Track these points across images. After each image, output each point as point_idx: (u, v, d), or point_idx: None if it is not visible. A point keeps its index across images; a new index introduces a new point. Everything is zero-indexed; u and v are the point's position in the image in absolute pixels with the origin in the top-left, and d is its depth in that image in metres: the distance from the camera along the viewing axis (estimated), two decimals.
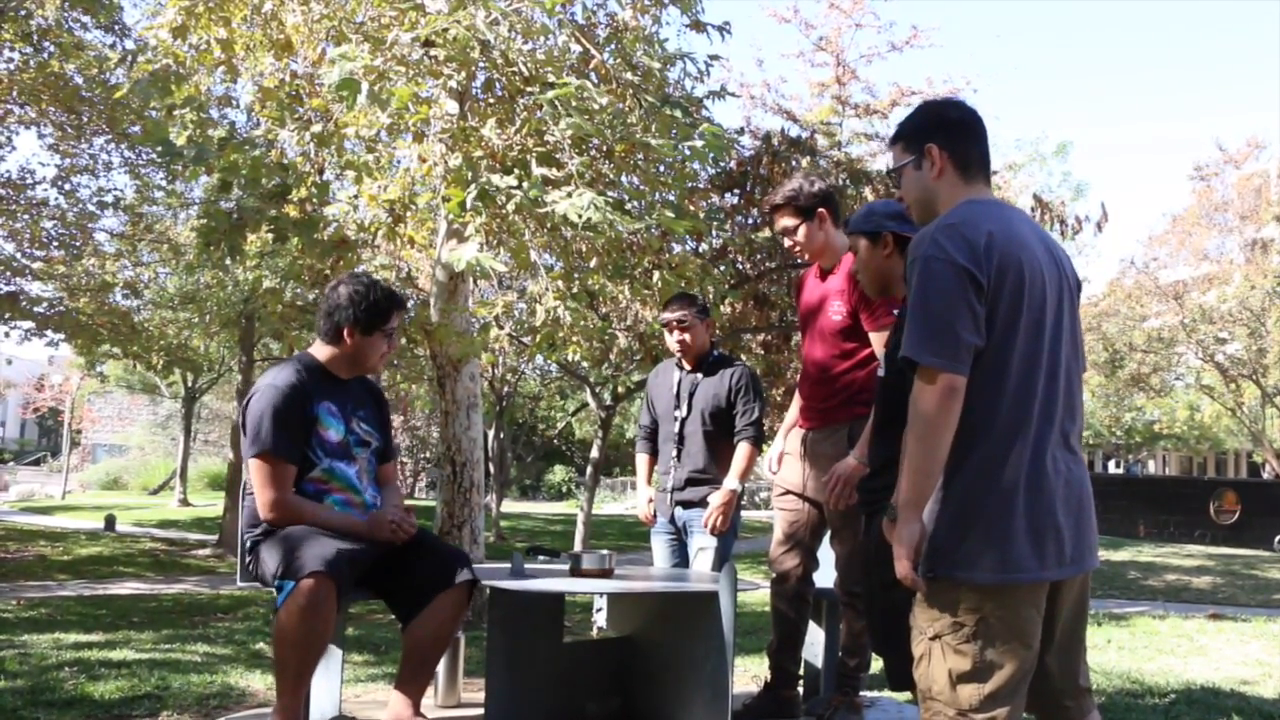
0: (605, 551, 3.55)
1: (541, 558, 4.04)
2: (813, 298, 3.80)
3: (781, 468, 3.89)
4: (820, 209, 3.72)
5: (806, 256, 3.81)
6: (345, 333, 3.42)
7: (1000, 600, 2.19)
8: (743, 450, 4.19)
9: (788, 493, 3.83)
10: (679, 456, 4.31)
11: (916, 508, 2.20)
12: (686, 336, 4.31)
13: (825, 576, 3.90)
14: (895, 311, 3.66)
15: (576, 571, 3.50)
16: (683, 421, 4.31)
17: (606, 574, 3.45)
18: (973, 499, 2.20)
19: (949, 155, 2.39)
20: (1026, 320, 2.23)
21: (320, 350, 3.50)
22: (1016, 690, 2.21)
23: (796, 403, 3.95)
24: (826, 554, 3.88)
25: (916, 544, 2.21)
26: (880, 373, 3.03)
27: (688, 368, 4.37)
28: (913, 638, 2.31)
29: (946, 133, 2.40)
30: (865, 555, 3.00)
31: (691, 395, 4.31)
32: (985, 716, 2.18)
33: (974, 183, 2.40)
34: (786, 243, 3.84)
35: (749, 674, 5.29)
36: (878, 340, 3.56)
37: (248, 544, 3.36)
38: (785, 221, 3.76)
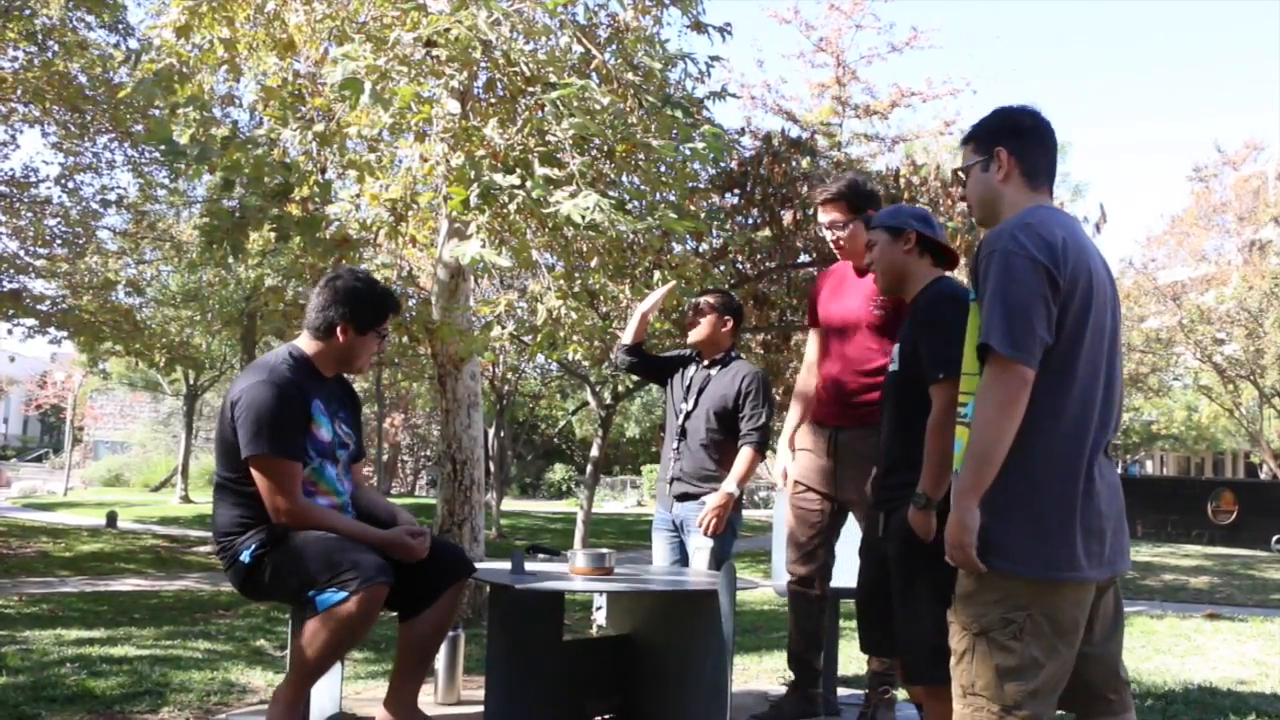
0: (605, 550, 3.57)
1: (542, 556, 4.06)
2: (849, 294, 3.81)
3: (799, 464, 3.86)
4: (870, 209, 3.77)
5: (845, 253, 3.85)
6: (339, 330, 3.31)
7: (1049, 598, 2.23)
8: (745, 455, 4.18)
9: (808, 490, 3.81)
10: (679, 451, 4.32)
11: (975, 495, 2.23)
12: (700, 321, 4.35)
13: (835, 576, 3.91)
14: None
15: (578, 570, 3.51)
16: (687, 415, 4.32)
17: (606, 573, 3.47)
18: (1031, 494, 2.24)
19: (1017, 160, 2.44)
20: (1093, 328, 2.29)
21: (308, 344, 3.36)
22: (1056, 689, 2.25)
23: (798, 405, 3.96)
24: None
25: (975, 531, 2.23)
26: (892, 367, 3.06)
27: (705, 361, 4.40)
28: (952, 633, 2.33)
29: (1017, 138, 2.46)
30: (881, 551, 3.03)
31: (701, 391, 4.31)
32: (1028, 714, 2.21)
33: (1039, 190, 2.45)
34: (830, 236, 3.88)
35: (748, 672, 5.32)
36: None
37: (245, 558, 3.17)
38: (835, 215, 3.81)
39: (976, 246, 2.44)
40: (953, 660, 2.32)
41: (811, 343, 4.02)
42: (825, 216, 3.87)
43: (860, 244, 3.76)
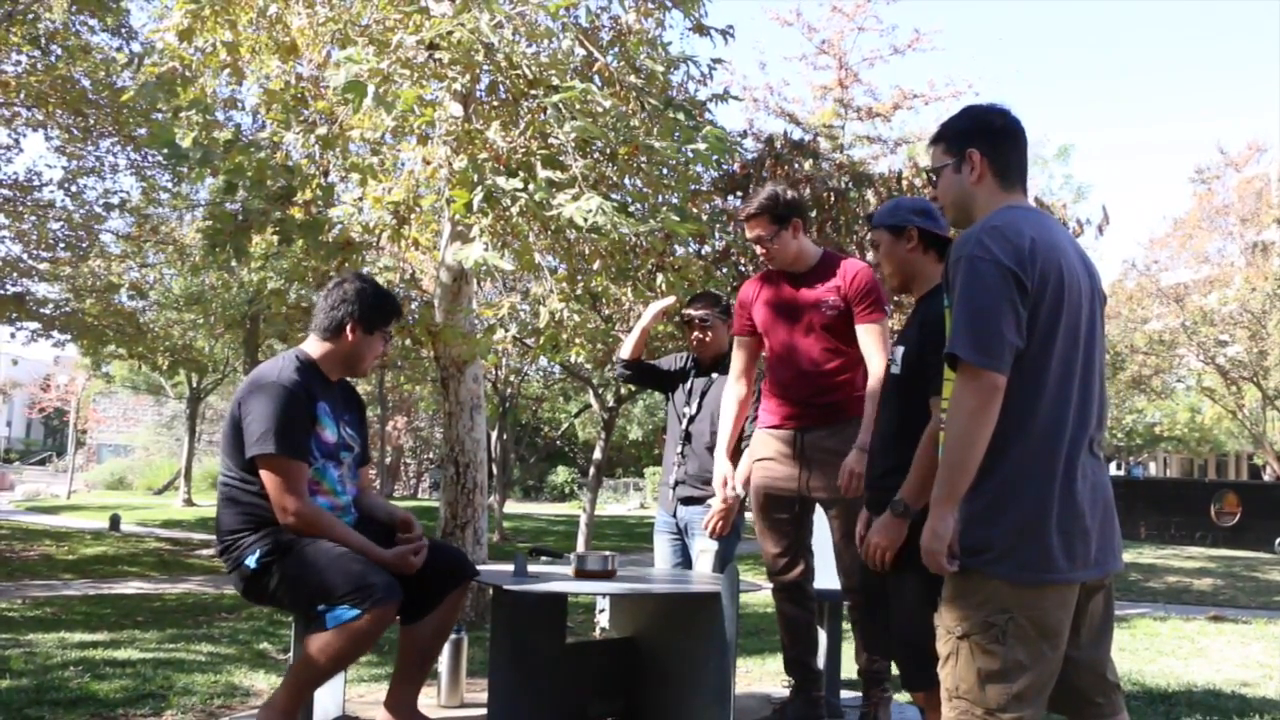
0: (608, 553, 3.56)
1: (544, 559, 4.05)
2: (791, 300, 3.79)
3: (761, 475, 3.82)
4: (794, 218, 3.77)
5: (775, 264, 3.83)
6: (348, 329, 3.36)
7: (1031, 600, 2.22)
8: (748, 455, 4.19)
9: (773, 499, 3.79)
10: (684, 455, 4.32)
11: (951, 502, 2.24)
12: (706, 337, 4.34)
13: (823, 577, 3.91)
14: (887, 309, 3.71)
15: (580, 573, 3.51)
16: (691, 419, 4.32)
17: (609, 575, 3.47)
18: (1007, 498, 2.23)
19: (989, 161, 2.42)
20: (1065, 326, 2.27)
21: (314, 347, 3.41)
22: (1042, 691, 2.25)
23: (733, 412, 3.93)
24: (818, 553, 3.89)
25: (950, 538, 2.24)
26: (894, 370, 3.02)
27: (705, 365, 4.40)
28: (938, 637, 2.33)
29: (989, 139, 2.44)
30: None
31: (703, 396, 4.32)
32: (1012, 716, 2.21)
33: (1012, 190, 2.44)
34: (759, 250, 3.85)
35: (751, 675, 5.31)
36: (864, 333, 3.62)
37: (251, 563, 3.18)
38: (759, 230, 3.78)
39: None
40: (939, 664, 2.33)
41: (739, 350, 3.98)
42: (751, 232, 3.84)
43: (790, 253, 3.78)
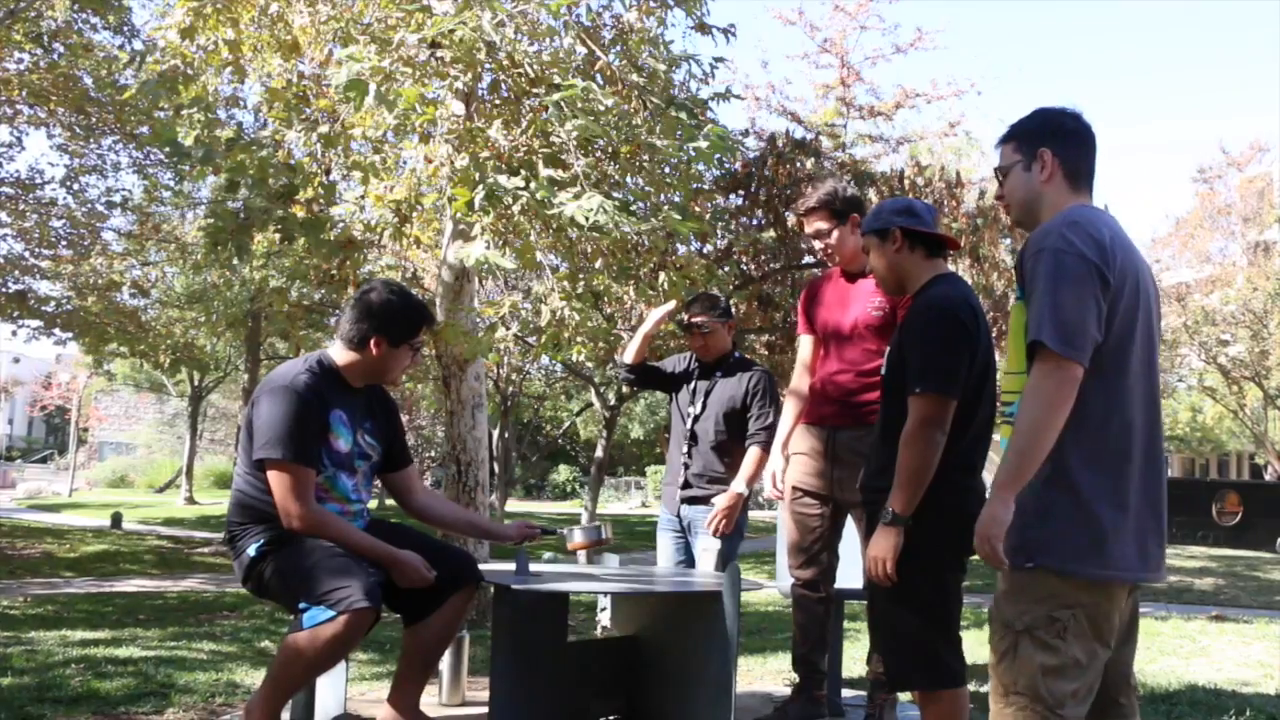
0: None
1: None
2: (842, 298, 3.83)
3: (794, 469, 3.85)
4: (853, 213, 3.80)
5: (836, 260, 3.86)
6: (372, 343, 3.29)
7: (1096, 598, 2.22)
8: (753, 455, 4.19)
9: (805, 494, 3.80)
10: (689, 454, 4.33)
11: (1014, 487, 2.19)
12: (706, 341, 4.36)
13: (841, 576, 3.91)
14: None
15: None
16: (696, 419, 4.33)
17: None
18: (1081, 493, 2.22)
19: (1060, 162, 2.41)
20: (1141, 325, 2.28)
21: (339, 354, 3.35)
22: (1091, 694, 2.24)
23: (793, 408, 3.96)
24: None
25: (1005, 525, 2.20)
26: (884, 371, 3.04)
27: (707, 366, 4.41)
28: (994, 631, 2.30)
29: (1061, 140, 2.43)
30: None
31: (708, 395, 4.33)
32: (1071, 713, 2.19)
33: (1080, 192, 2.43)
34: (818, 245, 3.90)
35: (752, 673, 5.32)
36: None
37: (252, 551, 3.21)
38: (819, 224, 3.82)
39: (1020, 248, 2.40)
40: (992, 659, 2.29)
41: (804, 348, 4.01)
42: (809, 227, 3.88)
43: (849, 249, 3.81)
